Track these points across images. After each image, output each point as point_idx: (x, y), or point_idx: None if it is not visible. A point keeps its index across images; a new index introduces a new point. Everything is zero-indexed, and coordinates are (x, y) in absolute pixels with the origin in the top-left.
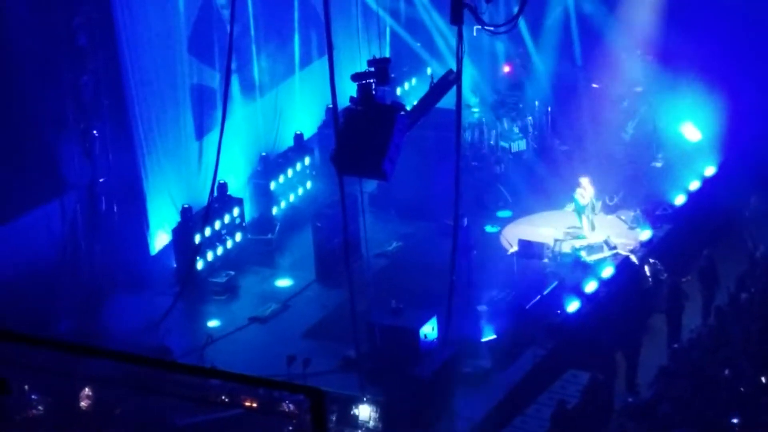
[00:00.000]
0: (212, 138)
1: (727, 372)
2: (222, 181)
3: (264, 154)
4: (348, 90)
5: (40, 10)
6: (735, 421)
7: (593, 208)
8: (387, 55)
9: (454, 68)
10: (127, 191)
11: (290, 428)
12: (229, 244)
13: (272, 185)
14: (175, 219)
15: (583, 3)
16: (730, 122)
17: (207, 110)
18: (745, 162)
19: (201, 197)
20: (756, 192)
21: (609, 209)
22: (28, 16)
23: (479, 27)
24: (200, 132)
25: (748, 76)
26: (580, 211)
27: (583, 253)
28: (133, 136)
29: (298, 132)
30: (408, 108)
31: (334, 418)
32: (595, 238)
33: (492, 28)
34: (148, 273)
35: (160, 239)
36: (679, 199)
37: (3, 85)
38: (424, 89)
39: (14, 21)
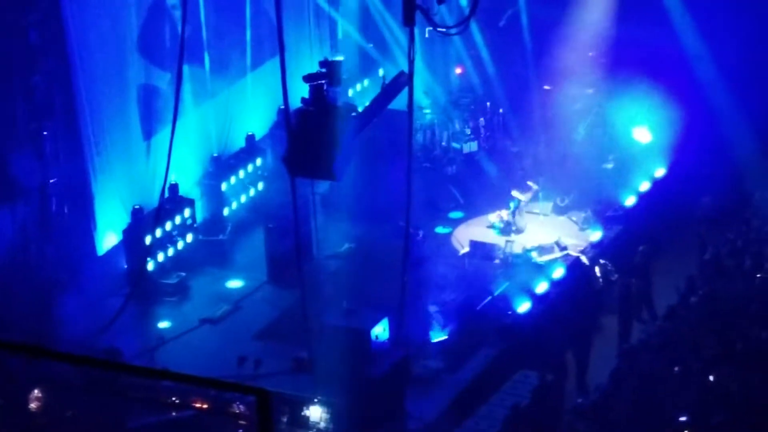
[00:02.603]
0: (161, 138)
1: (676, 370)
2: (173, 182)
3: (215, 155)
4: (300, 91)
5: None
6: (683, 419)
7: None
8: (339, 56)
9: (406, 70)
10: (77, 192)
11: (241, 430)
12: (181, 245)
13: (224, 186)
14: (125, 220)
15: (535, 5)
16: (681, 124)
17: (156, 111)
18: (695, 163)
19: (152, 198)
20: (707, 193)
21: (560, 210)
22: None
23: (431, 28)
24: (149, 132)
25: (699, 78)
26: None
27: (534, 254)
28: (83, 137)
29: (250, 133)
30: (360, 109)
31: (285, 420)
32: (546, 239)
33: (444, 30)
34: (97, 274)
35: (108, 240)
36: (630, 201)
37: None
38: (375, 91)
39: None
